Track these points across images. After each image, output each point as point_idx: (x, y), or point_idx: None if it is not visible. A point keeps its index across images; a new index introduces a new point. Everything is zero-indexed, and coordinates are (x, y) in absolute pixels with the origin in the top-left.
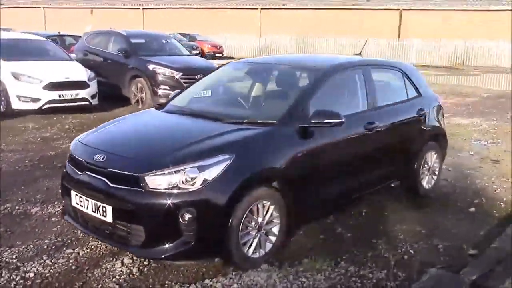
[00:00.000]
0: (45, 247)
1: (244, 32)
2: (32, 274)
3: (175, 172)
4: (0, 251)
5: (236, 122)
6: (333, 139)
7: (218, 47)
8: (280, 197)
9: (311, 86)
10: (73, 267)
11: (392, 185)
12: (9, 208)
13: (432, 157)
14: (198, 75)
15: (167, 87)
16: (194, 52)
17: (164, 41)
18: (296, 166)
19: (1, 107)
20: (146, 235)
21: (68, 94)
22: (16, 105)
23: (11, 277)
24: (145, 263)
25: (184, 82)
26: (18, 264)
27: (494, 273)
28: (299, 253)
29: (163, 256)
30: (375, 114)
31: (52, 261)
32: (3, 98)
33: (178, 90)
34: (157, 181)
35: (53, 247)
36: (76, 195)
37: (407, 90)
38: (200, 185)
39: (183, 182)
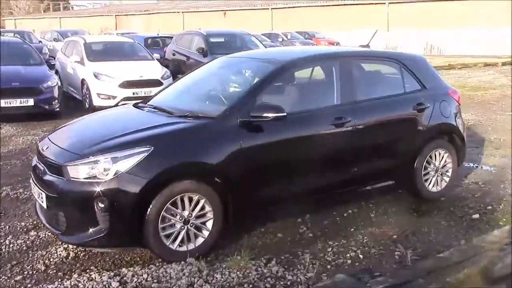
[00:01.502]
0: (18, 228)
1: (371, 27)
2: None
3: (92, 162)
4: None
5: (180, 116)
6: (286, 134)
7: (336, 43)
8: (214, 192)
9: (261, 80)
10: (24, 248)
11: (380, 185)
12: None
13: (440, 157)
14: None
15: None
16: None
17: (243, 39)
18: (236, 161)
19: (86, 103)
20: (66, 221)
21: (142, 91)
22: (96, 102)
23: None
24: (86, 249)
25: None
26: None
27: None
28: (237, 250)
29: (80, 242)
30: (349, 109)
31: (12, 241)
32: (87, 96)
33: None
34: (76, 170)
35: (25, 229)
36: (31, 182)
37: (404, 83)
38: (113, 175)
39: (100, 173)
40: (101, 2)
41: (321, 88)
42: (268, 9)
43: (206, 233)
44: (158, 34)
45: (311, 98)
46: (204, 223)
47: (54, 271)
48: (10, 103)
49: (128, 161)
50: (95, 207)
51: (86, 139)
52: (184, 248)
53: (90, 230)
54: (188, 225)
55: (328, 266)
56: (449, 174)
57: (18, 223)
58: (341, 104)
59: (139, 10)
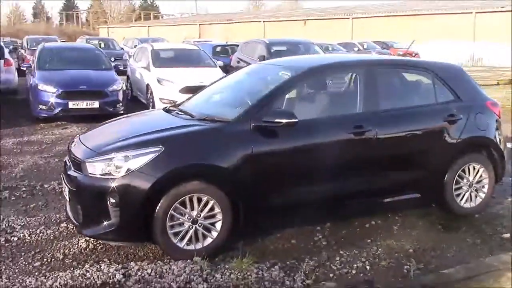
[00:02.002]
0: (52, 219)
1: (455, 38)
2: (15, 238)
3: (108, 160)
4: (13, 220)
5: (199, 119)
6: (299, 141)
7: (414, 55)
8: (223, 194)
9: (277, 86)
10: (51, 238)
11: (408, 197)
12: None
13: (475, 172)
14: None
15: None
16: None
17: (306, 48)
18: (247, 165)
19: (150, 107)
20: (83, 214)
21: None
22: (158, 106)
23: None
24: (102, 242)
25: None
26: (17, 229)
27: None
28: (247, 252)
29: (93, 234)
30: (370, 118)
31: (43, 230)
32: (151, 100)
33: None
34: (93, 166)
35: (58, 221)
36: (61, 177)
37: (436, 93)
38: (125, 173)
39: (113, 170)
40: (189, 12)
41: (342, 96)
42: (348, 18)
43: (214, 234)
44: (226, 42)
45: (330, 105)
46: (213, 224)
47: (70, 260)
48: (77, 105)
49: (139, 160)
50: (108, 202)
51: (108, 138)
52: (192, 247)
53: (104, 223)
54: (197, 225)
55: (331, 275)
56: (485, 190)
57: (54, 215)
58: (362, 112)
59: (221, 20)
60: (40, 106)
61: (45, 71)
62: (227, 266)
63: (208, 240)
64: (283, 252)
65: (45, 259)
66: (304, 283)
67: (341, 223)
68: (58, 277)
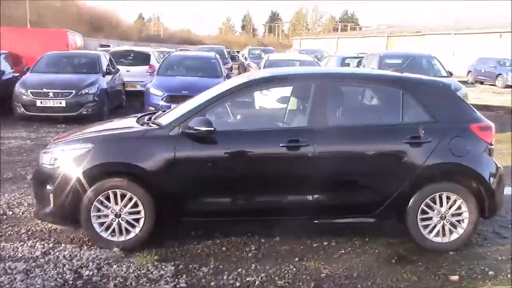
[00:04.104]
0: None
1: None
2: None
3: (50, 153)
4: None
5: (148, 124)
6: (224, 150)
7: None
8: (145, 193)
9: (214, 96)
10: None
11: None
12: None
13: (450, 202)
14: None
15: None
16: None
17: (423, 61)
18: (171, 167)
19: None
20: (35, 199)
21: None
22: None
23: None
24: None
25: None
26: None
27: None
28: (163, 250)
29: (39, 217)
30: (311, 133)
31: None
32: None
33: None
34: (43, 158)
35: None
36: None
37: (403, 112)
38: (58, 164)
39: (53, 161)
40: (387, 24)
41: (287, 109)
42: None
43: (137, 229)
44: (358, 54)
45: (270, 118)
46: (136, 220)
47: (27, 236)
48: None
49: (71, 154)
50: (47, 189)
51: (68, 136)
52: (115, 239)
53: (46, 208)
54: (119, 219)
55: (212, 283)
56: (464, 225)
57: None
58: (303, 127)
59: (410, 31)
60: (150, 108)
61: (162, 76)
62: (130, 259)
63: (131, 235)
64: (201, 256)
65: (12, 231)
66: (178, 285)
67: (292, 238)
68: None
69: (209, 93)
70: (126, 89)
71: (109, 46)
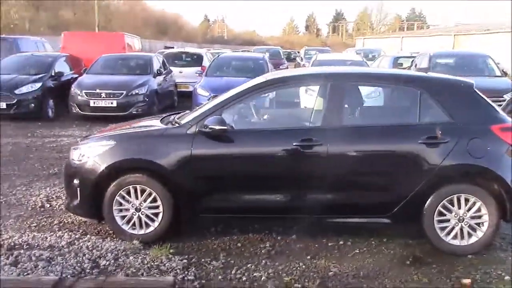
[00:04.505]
0: None
1: None
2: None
3: (79, 149)
4: None
5: (169, 123)
6: (239, 148)
7: None
8: (163, 189)
9: (231, 95)
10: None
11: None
12: None
13: (468, 205)
14: None
15: None
16: None
17: (476, 61)
18: (188, 164)
19: None
20: (66, 192)
21: None
22: None
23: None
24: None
25: None
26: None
27: None
28: (181, 245)
29: (69, 209)
30: (325, 132)
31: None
32: None
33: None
34: (73, 154)
35: None
36: None
37: (420, 112)
38: (85, 160)
39: (80, 157)
40: (455, 22)
41: (302, 108)
42: None
43: (156, 223)
44: (411, 54)
45: (286, 117)
46: (156, 214)
47: (58, 227)
48: None
49: (96, 150)
50: (75, 183)
51: (98, 134)
52: (135, 232)
53: (74, 201)
54: (140, 213)
55: (219, 277)
56: (484, 228)
57: None
58: (317, 126)
59: (478, 30)
60: None
61: (209, 77)
62: (147, 252)
63: (151, 228)
64: (215, 251)
65: (46, 223)
66: (186, 277)
67: (308, 237)
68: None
69: (230, 92)
70: (178, 89)
71: (173, 47)
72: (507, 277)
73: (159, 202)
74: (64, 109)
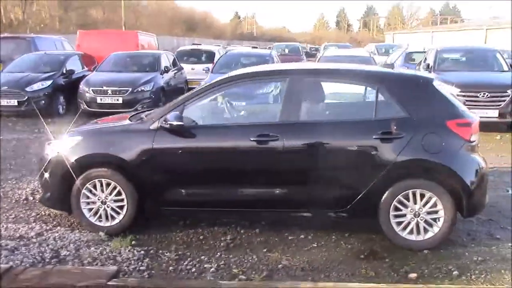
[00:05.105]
0: None
1: None
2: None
3: (51, 143)
4: None
5: (136, 119)
6: (196, 143)
7: None
8: (127, 181)
9: (196, 91)
10: None
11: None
12: None
13: (424, 200)
14: (482, 92)
15: None
16: None
17: (484, 56)
18: (149, 158)
19: None
20: (40, 186)
21: None
22: None
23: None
24: None
25: (464, 100)
26: None
27: None
28: (151, 236)
29: (41, 201)
30: (281, 127)
31: None
32: None
33: None
34: (46, 148)
35: None
36: None
37: (377, 107)
38: (55, 155)
39: (51, 151)
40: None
41: (257, 105)
42: None
43: (121, 216)
44: (424, 49)
45: (245, 113)
46: (121, 207)
47: (33, 218)
48: None
49: (66, 145)
50: (45, 177)
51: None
52: (102, 224)
53: (46, 194)
54: (105, 206)
55: (170, 268)
56: (440, 224)
57: None
58: (274, 122)
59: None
60: None
61: (215, 74)
62: (109, 243)
63: (116, 221)
64: (176, 243)
65: (24, 215)
66: (138, 268)
67: (271, 231)
68: (9, 226)
69: (195, 89)
70: (190, 86)
71: (200, 44)
72: (455, 272)
73: (123, 195)
74: (75, 106)
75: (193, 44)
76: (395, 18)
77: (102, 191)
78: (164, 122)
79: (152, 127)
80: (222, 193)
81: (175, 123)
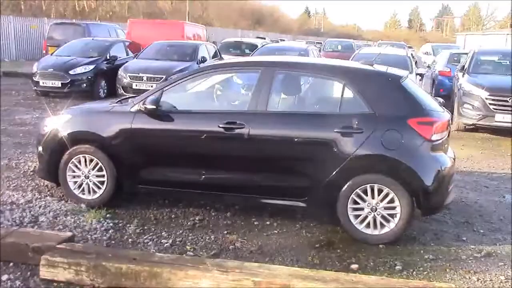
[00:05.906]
0: None
1: None
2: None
3: (46, 121)
4: None
5: (121, 102)
6: (176, 126)
7: None
8: (107, 158)
9: (175, 78)
10: None
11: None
12: None
13: (381, 195)
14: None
15: (470, 107)
16: None
17: None
18: (128, 137)
19: None
20: (37, 158)
21: None
22: None
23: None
24: None
25: (490, 104)
26: None
27: None
28: (127, 211)
29: (35, 172)
30: (248, 116)
31: None
32: None
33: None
34: (41, 125)
35: None
36: None
37: (342, 102)
38: (47, 131)
39: (45, 127)
40: None
41: (231, 94)
42: None
43: (101, 190)
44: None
45: (218, 101)
46: (102, 182)
47: (32, 188)
48: None
49: (57, 123)
50: (39, 150)
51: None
52: (84, 196)
53: (40, 166)
54: (88, 180)
55: (130, 240)
56: (396, 220)
57: None
58: (242, 110)
59: None
60: None
61: None
62: (85, 214)
63: (97, 195)
64: (146, 220)
65: (25, 184)
66: (101, 238)
67: (240, 214)
68: (6, 193)
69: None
70: None
71: (264, 38)
72: (398, 267)
73: (104, 172)
74: (116, 90)
75: (257, 37)
76: (469, 19)
77: (86, 166)
78: (142, 105)
79: (132, 109)
80: (192, 175)
81: (149, 106)
